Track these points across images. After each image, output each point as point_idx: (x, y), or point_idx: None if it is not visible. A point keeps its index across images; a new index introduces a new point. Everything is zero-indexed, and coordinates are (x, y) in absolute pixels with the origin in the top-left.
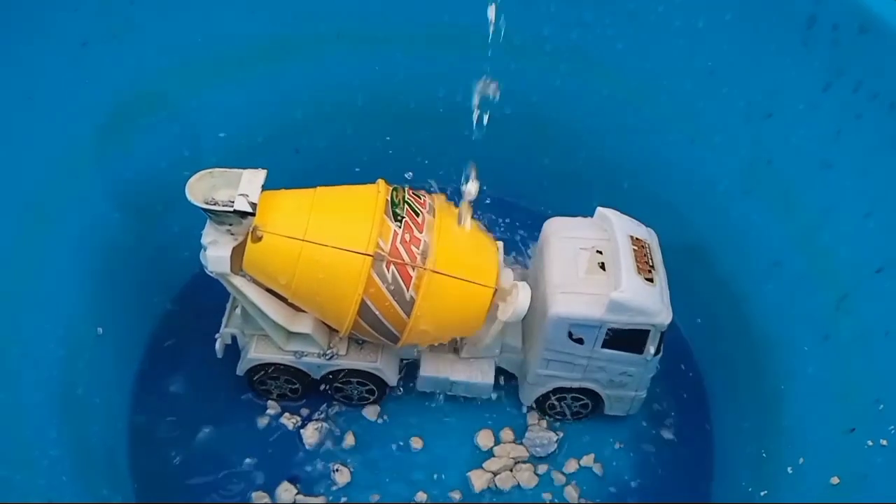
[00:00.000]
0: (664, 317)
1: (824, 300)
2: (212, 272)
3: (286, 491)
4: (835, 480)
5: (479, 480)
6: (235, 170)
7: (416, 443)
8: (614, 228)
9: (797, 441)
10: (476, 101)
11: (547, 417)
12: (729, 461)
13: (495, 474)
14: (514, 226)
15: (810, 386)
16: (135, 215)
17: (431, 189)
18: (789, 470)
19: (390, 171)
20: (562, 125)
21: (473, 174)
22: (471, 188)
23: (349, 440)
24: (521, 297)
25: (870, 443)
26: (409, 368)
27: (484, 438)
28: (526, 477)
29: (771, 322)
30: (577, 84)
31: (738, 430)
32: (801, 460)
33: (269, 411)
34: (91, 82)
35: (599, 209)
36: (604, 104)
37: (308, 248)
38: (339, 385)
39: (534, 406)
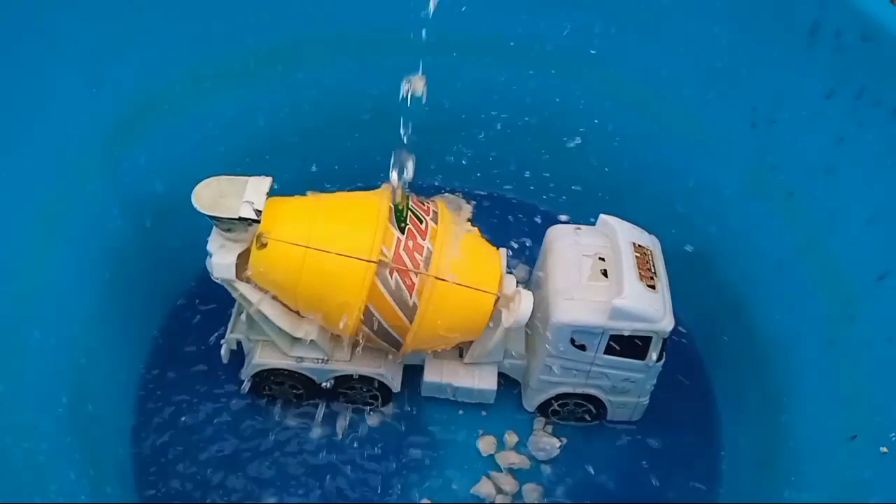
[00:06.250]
0: (666, 323)
1: (828, 306)
2: (217, 278)
3: (289, 494)
4: (837, 487)
5: (481, 487)
6: (241, 177)
7: (420, 448)
8: (617, 235)
9: (801, 447)
10: None
11: (550, 423)
12: (734, 467)
13: (497, 482)
14: (522, 231)
15: (814, 391)
16: (141, 222)
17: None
18: (792, 477)
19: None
20: (564, 130)
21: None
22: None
23: (353, 445)
24: (523, 304)
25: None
26: (413, 374)
27: (486, 444)
28: (530, 487)
29: (775, 328)
30: (582, 90)
31: (743, 436)
32: (805, 466)
33: (273, 416)
34: (99, 89)
35: (602, 216)
36: (609, 110)
37: (312, 254)
38: (344, 390)
39: (537, 412)
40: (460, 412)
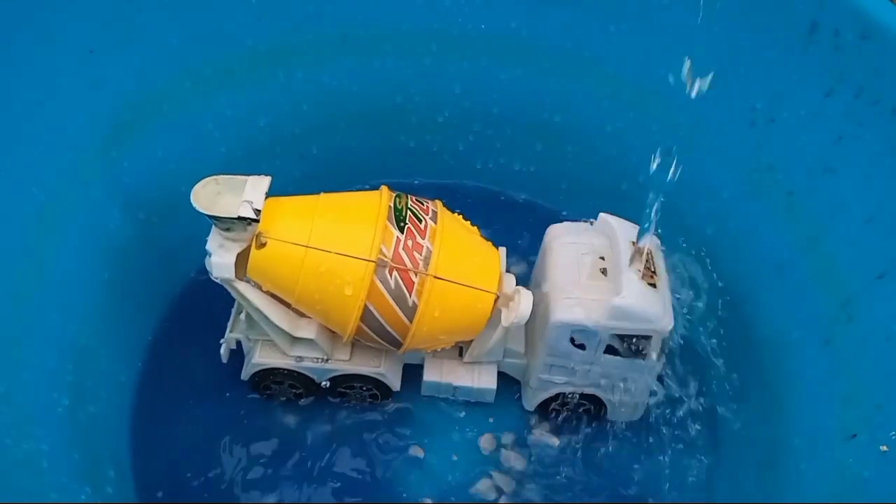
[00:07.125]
0: (666, 322)
1: (827, 305)
2: (217, 278)
3: (289, 494)
4: (837, 487)
5: (481, 486)
6: (240, 176)
7: (420, 447)
8: (616, 234)
9: (800, 446)
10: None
11: (549, 422)
12: (732, 466)
13: (497, 481)
14: (521, 229)
15: (813, 391)
16: (140, 221)
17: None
18: (792, 476)
19: (394, 177)
20: (564, 129)
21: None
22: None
23: (353, 443)
24: (522, 303)
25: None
26: (413, 373)
27: (487, 443)
28: (529, 486)
29: (774, 327)
30: (581, 89)
31: (742, 435)
32: (804, 465)
33: (273, 415)
34: (98, 89)
35: (602, 215)
36: (607, 110)
37: (312, 254)
38: (343, 389)
39: (537, 411)
40: (460, 412)
